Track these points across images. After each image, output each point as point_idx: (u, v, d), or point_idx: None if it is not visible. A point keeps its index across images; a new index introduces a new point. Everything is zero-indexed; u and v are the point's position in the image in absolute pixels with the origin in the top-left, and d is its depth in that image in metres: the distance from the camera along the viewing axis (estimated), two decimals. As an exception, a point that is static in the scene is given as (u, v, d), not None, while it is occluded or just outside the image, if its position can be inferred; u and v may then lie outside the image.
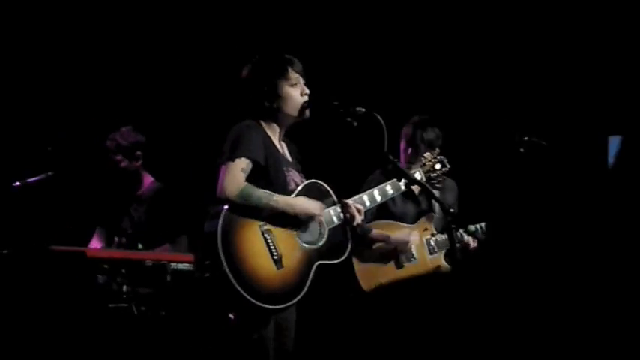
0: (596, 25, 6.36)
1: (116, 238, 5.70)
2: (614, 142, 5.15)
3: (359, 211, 4.25)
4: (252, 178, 4.06)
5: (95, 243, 5.75)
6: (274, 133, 4.26)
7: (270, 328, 4.04)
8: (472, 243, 5.16)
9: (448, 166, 4.60)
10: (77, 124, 6.60)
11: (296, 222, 4.11)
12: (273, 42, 6.08)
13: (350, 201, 4.27)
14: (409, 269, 5.16)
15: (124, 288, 5.11)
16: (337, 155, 6.16)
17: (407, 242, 5.15)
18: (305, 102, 4.24)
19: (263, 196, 4.01)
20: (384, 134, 4.13)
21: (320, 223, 4.17)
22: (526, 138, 5.32)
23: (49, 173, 5.51)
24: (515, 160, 5.36)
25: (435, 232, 5.25)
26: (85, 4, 6.69)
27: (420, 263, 5.16)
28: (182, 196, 5.77)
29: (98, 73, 6.72)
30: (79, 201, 6.48)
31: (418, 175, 4.55)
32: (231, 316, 4.02)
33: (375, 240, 5.17)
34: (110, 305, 5.08)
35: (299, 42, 5.88)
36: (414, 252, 5.17)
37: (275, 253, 4.01)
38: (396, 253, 5.17)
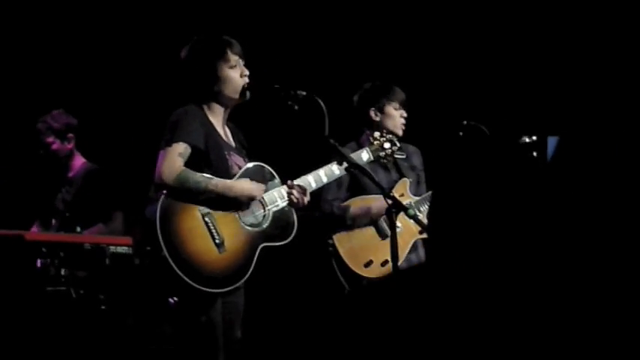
0: (542, 23, 6.42)
1: (53, 221, 5.67)
2: (551, 142, 5.23)
3: (304, 191, 4.25)
4: (194, 163, 4.03)
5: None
6: (216, 117, 4.24)
7: (218, 309, 4.04)
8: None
9: (398, 144, 4.59)
10: (11, 106, 6.50)
11: (237, 205, 4.10)
12: (213, 24, 6.03)
13: (295, 182, 4.26)
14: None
15: (62, 271, 5.08)
16: (278, 139, 6.14)
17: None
18: (245, 83, 4.23)
19: (201, 179, 3.99)
20: (325, 118, 4.15)
21: (264, 205, 4.17)
22: (465, 122, 5.36)
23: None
24: (453, 144, 5.39)
25: (412, 196, 5.24)
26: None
27: (405, 230, 5.07)
28: (115, 176, 5.75)
29: (30, 55, 6.62)
30: (12, 184, 6.39)
31: (365, 154, 4.53)
32: (171, 300, 4.02)
33: (356, 216, 5.12)
34: (48, 289, 5.04)
35: (240, 24, 5.86)
36: (396, 220, 5.09)
37: (217, 237, 4.00)
38: (377, 225, 5.11)
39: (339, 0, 6.70)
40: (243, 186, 4.09)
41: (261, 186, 4.16)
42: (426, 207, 5.25)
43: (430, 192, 5.30)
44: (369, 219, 5.13)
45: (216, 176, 4.05)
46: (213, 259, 3.98)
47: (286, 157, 4.73)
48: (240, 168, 4.17)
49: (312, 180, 4.33)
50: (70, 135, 5.72)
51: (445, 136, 5.50)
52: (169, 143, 4.01)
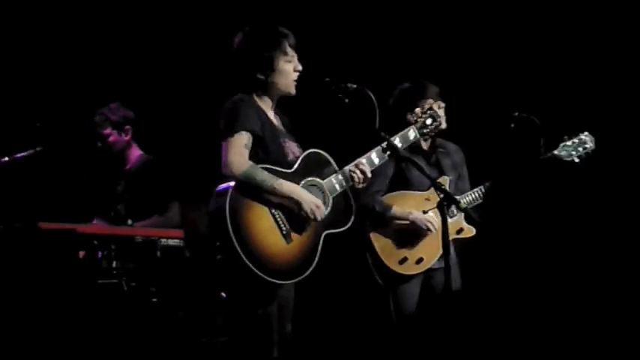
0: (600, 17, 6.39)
1: (112, 213, 5.71)
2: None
3: (365, 172, 4.22)
4: (253, 151, 4.06)
5: None
6: (267, 106, 4.24)
7: (275, 304, 4.07)
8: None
9: (439, 119, 4.45)
10: (66, 100, 6.56)
11: (297, 205, 4.09)
12: (261, 14, 6.03)
13: (358, 161, 4.24)
14: (431, 238, 5.08)
15: (114, 264, 5.11)
16: (329, 132, 6.13)
17: (427, 221, 5.09)
18: (296, 78, 4.21)
19: (267, 178, 4.01)
20: (376, 110, 4.13)
21: (324, 193, 4.17)
22: (517, 113, 5.29)
23: (38, 149, 5.49)
24: (505, 135, 5.34)
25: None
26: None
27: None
28: (170, 167, 5.77)
29: (87, 50, 6.68)
30: (68, 177, 6.45)
31: (412, 133, 4.41)
32: (223, 294, 4.04)
33: (396, 219, 5.12)
34: (100, 281, 5.07)
35: (289, 15, 5.84)
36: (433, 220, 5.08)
37: (284, 228, 4.05)
38: (415, 224, 5.10)
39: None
40: (301, 196, 4.08)
41: (319, 202, 4.11)
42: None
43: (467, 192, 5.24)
44: (405, 223, 5.13)
45: (274, 164, 4.07)
46: (281, 251, 4.02)
47: (337, 150, 4.70)
48: (295, 155, 4.20)
49: (375, 156, 4.29)
50: (127, 127, 5.77)
51: (497, 128, 5.45)
52: (231, 133, 4.03)
